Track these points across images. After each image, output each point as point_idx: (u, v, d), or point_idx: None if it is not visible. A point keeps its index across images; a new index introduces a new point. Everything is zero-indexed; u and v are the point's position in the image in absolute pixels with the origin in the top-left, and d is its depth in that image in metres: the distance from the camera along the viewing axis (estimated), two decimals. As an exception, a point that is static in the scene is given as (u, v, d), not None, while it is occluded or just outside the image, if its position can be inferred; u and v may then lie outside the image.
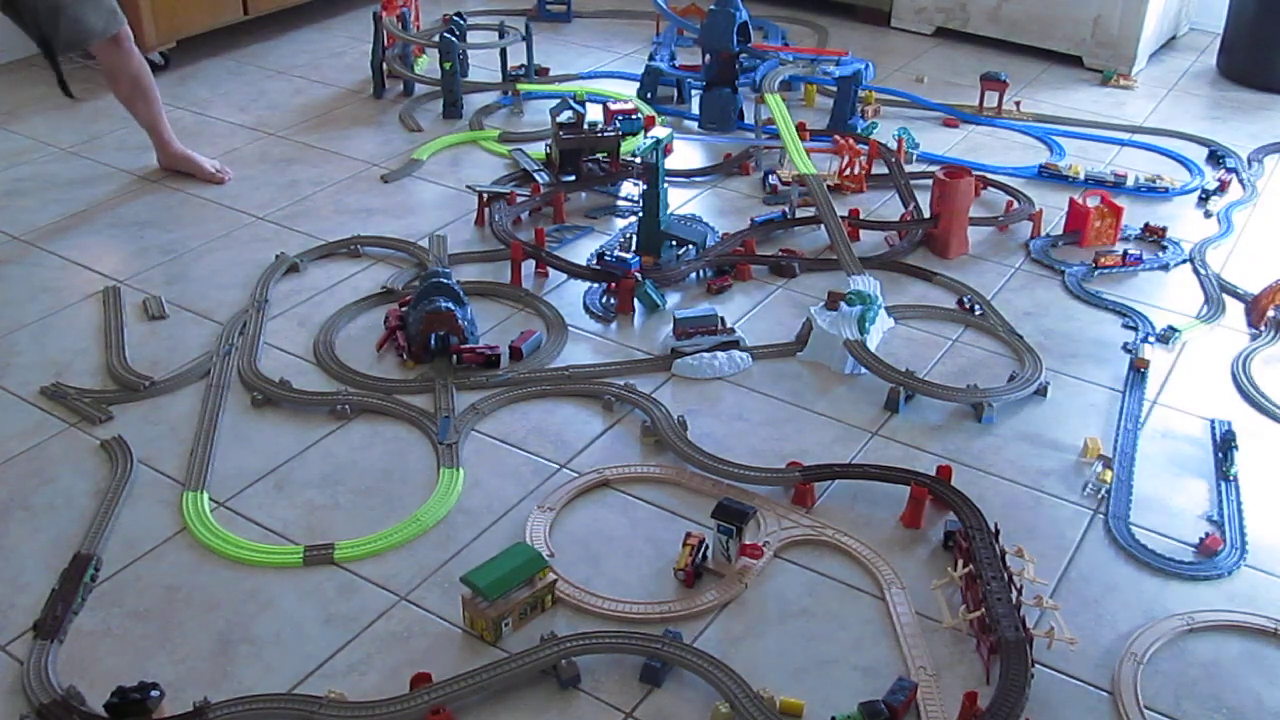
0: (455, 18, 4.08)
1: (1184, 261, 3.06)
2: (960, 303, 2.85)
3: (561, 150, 3.37)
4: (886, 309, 2.76)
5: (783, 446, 2.35)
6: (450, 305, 2.54)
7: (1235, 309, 2.86)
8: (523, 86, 4.00)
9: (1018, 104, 4.00)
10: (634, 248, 2.97)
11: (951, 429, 2.41)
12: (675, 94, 4.02)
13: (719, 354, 2.58)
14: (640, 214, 2.96)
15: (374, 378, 2.52)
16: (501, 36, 4.11)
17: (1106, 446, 2.34)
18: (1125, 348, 2.68)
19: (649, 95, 3.98)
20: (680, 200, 3.35)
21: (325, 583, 2.00)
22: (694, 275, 2.93)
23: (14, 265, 2.97)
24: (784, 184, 3.35)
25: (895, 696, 1.74)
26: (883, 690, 1.77)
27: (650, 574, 2.03)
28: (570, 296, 2.85)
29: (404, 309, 2.65)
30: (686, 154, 3.67)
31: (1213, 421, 2.43)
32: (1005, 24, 4.52)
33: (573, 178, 3.37)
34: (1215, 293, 2.90)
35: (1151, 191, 3.43)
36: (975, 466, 2.30)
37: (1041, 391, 2.51)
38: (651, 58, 4.11)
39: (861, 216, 3.17)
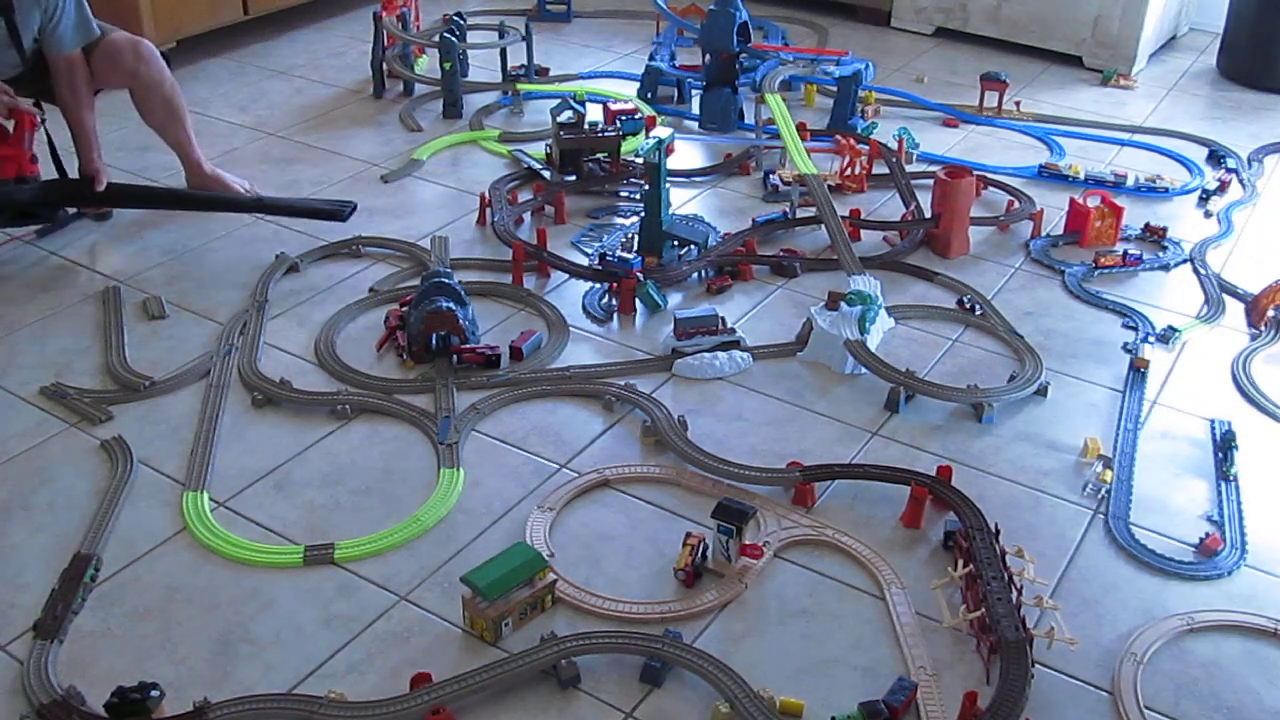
0: (455, 18, 4.08)
1: (1184, 261, 3.06)
2: (960, 303, 2.84)
3: (562, 150, 3.37)
4: (887, 309, 2.76)
5: (783, 446, 2.35)
6: (451, 305, 2.54)
7: (1235, 309, 2.86)
8: (523, 86, 4.00)
9: (1018, 104, 4.00)
10: (636, 248, 2.97)
11: (951, 429, 2.41)
12: (675, 94, 4.02)
13: (719, 354, 2.58)
14: (642, 214, 2.96)
15: (374, 378, 2.52)
16: (501, 36, 4.11)
17: (1106, 446, 2.34)
18: (1125, 348, 2.68)
19: (649, 95, 3.98)
20: (681, 200, 3.35)
21: (325, 583, 2.00)
22: (695, 275, 2.93)
23: (14, 265, 2.97)
24: (784, 184, 3.35)
25: (895, 696, 1.74)
26: (883, 690, 1.77)
27: (650, 574, 2.03)
28: (571, 296, 2.85)
29: (404, 309, 2.65)
30: (687, 154, 3.67)
31: (1213, 421, 2.43)
32: (1005, 24, 4.52)
33: (573, 178, 3.37)
34: (1215, 293, 2.90)
35: (1151, 191, 3.42)
36: (975, 466, 2.30)
37: (1041, 391, 2.51)
38: (651, 58, 4.11)
39: (862, 216, 3.17)
